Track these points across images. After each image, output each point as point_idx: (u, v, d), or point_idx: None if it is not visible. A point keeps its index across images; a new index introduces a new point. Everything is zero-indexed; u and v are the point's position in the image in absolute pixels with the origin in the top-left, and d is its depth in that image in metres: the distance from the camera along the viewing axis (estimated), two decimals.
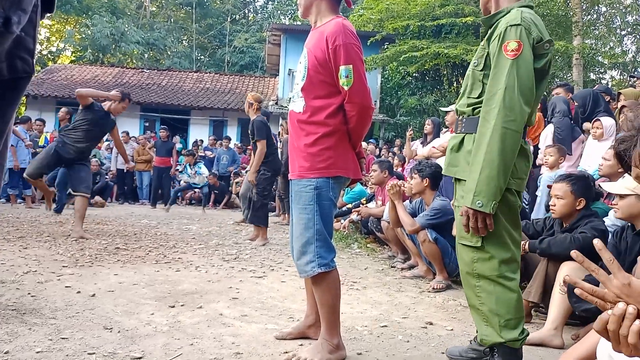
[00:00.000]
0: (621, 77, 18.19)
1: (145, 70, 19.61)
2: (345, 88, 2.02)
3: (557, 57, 13.56)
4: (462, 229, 1.96)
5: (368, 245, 5.60)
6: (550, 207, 2.89)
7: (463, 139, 2.01)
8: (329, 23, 2.08)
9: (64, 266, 3.64)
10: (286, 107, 14.66)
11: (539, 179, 4.34)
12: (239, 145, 13.15)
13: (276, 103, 14.87)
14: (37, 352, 1.98)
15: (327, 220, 2.09)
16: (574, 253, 0.94)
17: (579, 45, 12.46)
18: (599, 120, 4.28)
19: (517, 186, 1.95)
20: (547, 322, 2.53)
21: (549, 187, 3.40)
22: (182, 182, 10.70)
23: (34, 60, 0.58)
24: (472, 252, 1.94)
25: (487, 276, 1.91)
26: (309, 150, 2.07)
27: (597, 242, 0.95)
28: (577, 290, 0.95)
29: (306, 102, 2.10)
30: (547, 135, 4.58)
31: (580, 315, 2.58)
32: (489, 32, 1.97)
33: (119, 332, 2.30)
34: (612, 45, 18.09)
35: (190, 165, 10.42)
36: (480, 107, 1.93)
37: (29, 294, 2.85)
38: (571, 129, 4.60)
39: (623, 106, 4.22)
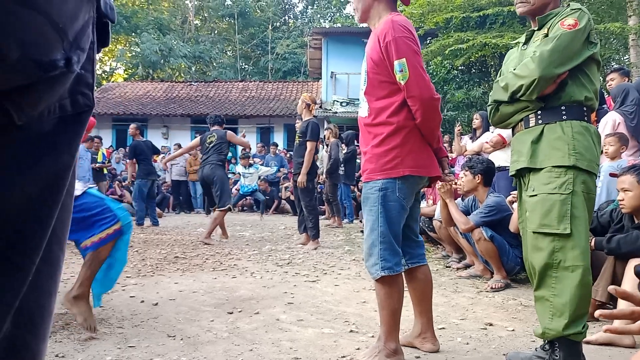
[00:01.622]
0: None
1: (193, 83, 20.21)
2: (402, 83, 2.00)
3: (612, 40, 12.86)
4: (545, 217, 1.91)
5: None
6: (620, 203, 2.74)
7: (543, 130, 1.98)
8: (380, 23, 2.09)
9: (127, 277, 3.81)
10: (330, 109, 14.69)
11: (599, 169, 4.13)
12: (286, 150, 13.31)
13: (320, 106, 14.92)
14: None
15: (392, 222, 2.06)
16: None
17: (635, 25, 11.75)
18: None
19: (596, 172, 1.98)
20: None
21: (612, 175, 3.24)
22: (233, 189, 10.94)
23: (94, 94, 0.62)
24: (553, 241, 1.89)
25: (568, 266, 1.87)
26: (375, 150, 2.08)
27: None
28: None
29: (369, 105, 2.12)
30: (607, 122, 4.35)
31: None
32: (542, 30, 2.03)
33: (181, 339, 2.39)
34: None
35: (245, 167, 10.69)
36: (552, 97, 1.98)
37: None
38: None
39: None
